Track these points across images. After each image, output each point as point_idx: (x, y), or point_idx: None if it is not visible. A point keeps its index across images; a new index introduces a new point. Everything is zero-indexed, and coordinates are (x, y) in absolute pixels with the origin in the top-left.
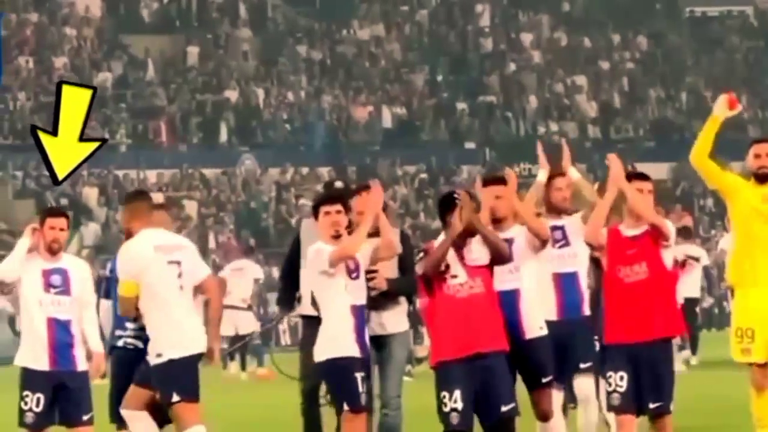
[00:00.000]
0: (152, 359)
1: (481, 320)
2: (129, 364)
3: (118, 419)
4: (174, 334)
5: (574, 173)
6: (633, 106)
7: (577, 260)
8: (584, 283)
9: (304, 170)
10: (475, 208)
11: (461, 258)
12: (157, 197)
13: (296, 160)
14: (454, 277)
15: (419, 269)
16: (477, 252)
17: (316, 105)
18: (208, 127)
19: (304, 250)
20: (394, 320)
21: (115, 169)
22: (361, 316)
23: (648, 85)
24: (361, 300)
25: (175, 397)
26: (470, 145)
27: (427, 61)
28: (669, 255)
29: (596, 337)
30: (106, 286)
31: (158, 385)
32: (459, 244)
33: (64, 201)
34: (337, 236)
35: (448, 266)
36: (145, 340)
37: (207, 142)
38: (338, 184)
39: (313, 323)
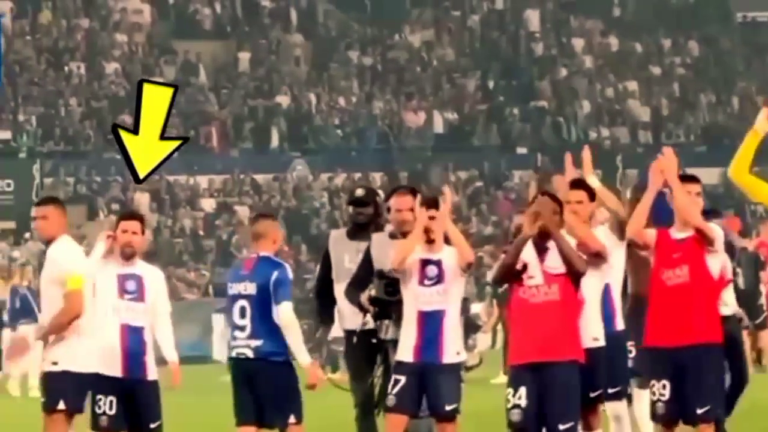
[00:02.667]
0: (46, 365)
1: (550, 329)
2: (243, 373)
3: (243, 422)
4: (73, 348)
5: (594, 182)
6: (684, 111)
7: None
8: (616, 295)
9: (356, 176)
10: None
11: (542, 261)
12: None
13: (348, 165)
14: (531, 278)
15: (491, 275)
16: (556, 259)
17: (368, 110)
18: (259, 133)
19: (336, 264)
20: None
21: (167, 175)
22: (429, 322)
23: (699, 90)
24: (435, 306)
25: (61, 405)
26: (522, 150)
27: (479, 66)
28: (715, 261)
29: (631, 342)
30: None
31: (46, 390)
32: (541, 247)
33: (115, 206)
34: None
35: (526, 266)
36: (254, 348)
37: (258, 147)
38: (359, 192)
39: (352, 337)
